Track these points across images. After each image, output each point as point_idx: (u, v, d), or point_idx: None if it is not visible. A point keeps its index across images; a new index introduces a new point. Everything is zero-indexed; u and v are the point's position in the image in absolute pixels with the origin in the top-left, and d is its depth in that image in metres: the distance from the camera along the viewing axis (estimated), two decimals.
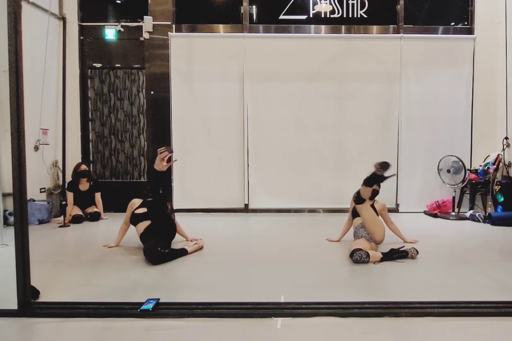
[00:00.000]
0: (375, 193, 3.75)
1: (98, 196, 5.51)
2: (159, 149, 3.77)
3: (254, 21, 6.14)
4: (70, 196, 5.29)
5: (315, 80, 6.05)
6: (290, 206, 6.09)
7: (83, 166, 5.41)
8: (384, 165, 3.37)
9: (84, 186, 5.42)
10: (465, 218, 5.41)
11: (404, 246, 3.41)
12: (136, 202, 3.81)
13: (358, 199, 3.54)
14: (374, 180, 3.48)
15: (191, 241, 3.84)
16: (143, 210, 3.69)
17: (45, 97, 5.44)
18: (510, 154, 5.61)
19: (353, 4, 6.08)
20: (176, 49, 6.01)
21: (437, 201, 5.95)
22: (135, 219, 3.68)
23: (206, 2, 6.23)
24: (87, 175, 5.43)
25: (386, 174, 3.43)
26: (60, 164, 5.83)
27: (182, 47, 6.02)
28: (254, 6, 6.14)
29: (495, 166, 5.54)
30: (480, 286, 2.67)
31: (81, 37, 6.07)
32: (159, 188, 3.86)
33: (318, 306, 2.24)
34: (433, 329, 2.01)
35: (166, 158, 3.76)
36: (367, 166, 5.98)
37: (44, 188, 5.54)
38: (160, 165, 3.76)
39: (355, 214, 3.75)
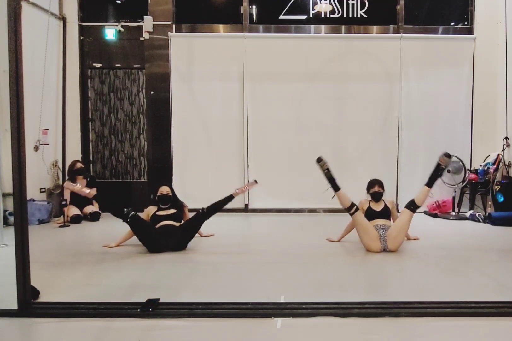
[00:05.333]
0: (379, 195, 3.76)
1: (94, 191, 5.52)
2: None
3: (254, 21, 6.14)
4: (67, 192, 5.33)
5: (315, 80, 6.05)
6: (290, 206, 6.09)
7: (79, 164, 5.46)
8: (447, 155, 3.63)
9: (80, 183, 5.44)
10: (465, 218, 5.41)
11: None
12: (152, 208, 3.86)
13: (413, 205, 3.58)
14: (434, 177, 3.67)
15: (205, 236, 4.20)
16: (166, 212, 3.77)
17: (45, 97, 5.44)
18: (510, 154, 5.61)
19: (353, 4, 6.08)
20: (176, 49, 6.01)
21: (437, 201, 5.94)
22: (155, 220, 3.72)
23: (206, 2, 6.23)
24: (83, 172, 5.46)
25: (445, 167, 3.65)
26: (60, 164, 5.83)
27: (182, 47, 6.02)
28: (254, 6, 6.14)
29: (495, 166, 5.54)
30: (480, 286, 2.67)
31: (81, 37, 6.07)
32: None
33: (318, 306, 2.23)
34: (433, 329, 2.01)
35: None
36: (367, 167, 6.07)
37: (44, 188, 5.54)
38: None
39: (368, 217, 3.69)
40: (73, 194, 5.39)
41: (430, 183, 3.65)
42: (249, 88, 6.03)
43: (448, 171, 5.64)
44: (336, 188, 3.65)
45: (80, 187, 3.70)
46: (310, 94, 6.05)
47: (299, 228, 4.94)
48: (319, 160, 3.69)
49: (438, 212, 5.81)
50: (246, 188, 4.05)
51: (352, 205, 3.59)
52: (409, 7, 6.08)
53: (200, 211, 3.77)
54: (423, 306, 2.23)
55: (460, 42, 6.05)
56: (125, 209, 3.51)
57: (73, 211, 5.21)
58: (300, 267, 3.15)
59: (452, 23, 6.21)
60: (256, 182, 4.09)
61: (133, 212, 3.53)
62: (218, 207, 3.84)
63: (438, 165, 3.65)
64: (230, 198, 3.88)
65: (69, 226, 4.93)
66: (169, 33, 5.97)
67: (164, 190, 3.85)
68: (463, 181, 5.57)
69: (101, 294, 2.51)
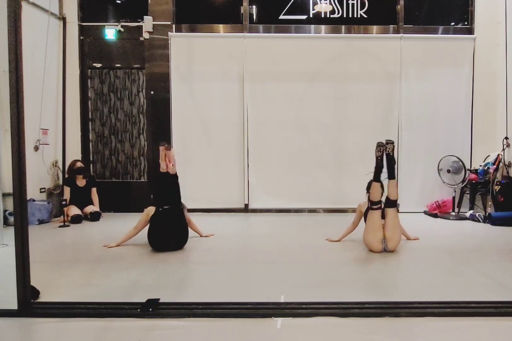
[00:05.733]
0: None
1: (94, 191, 5.56)
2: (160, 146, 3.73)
3: (254, 21, 6.14)
4: (67, 190, 5.37)
5: (315, 80, 6.05)
6: (290, 206, 6.09)
7: (79, 164, 5.48)
8: (386, 141, 3.65)
9: (80, 182, 5.48)
10: (465, 218, 5.41)
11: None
12: (152, 209, 3.83)
13: (388, 202, 3.58)
14: (390, 166, 3.65)
15: (205, 236, 4.23)
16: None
17: (45, 97, 5.44)
18: (510, 154, 5.61)
19: (353, 4, 6.08)
20: (176, 49, 6.01)
21: (437, 201, 5.94)
22: (155, 220, 3.72)
23: (206, 2, 6.23)
24: (83, 172, 5.47)
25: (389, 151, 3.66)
26: (60, 164, 5.83)
27: (182, 47, 6.02)
28: (254, 6, 6.13)
29: (495, 166, 5.54)
30: (480, 286, 2.67)
31: (81, 37, 6.07)
32: (170, 193, 3.82)
33: (318, 306, 2.23)
34: (433, 329, 2.01)
35: (163, 156, 3.71)
36: (367, 166, 5.96)
37: (44, 188, 5.54)
38: (161, 165, 3.75)
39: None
40: (73, 194, 5.41)
41: (391, 175, 3.63)
42: (249, 88, 6.03)
43: (448, 171, 5.64)
44: (377, 178, 3.62)
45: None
46: (310, 94, 6.05)
47: (299, 228, 4.93)
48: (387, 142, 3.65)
49: (438, 212, 5.81)
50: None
51: (380, 202, 3.58)
52: (409, 7, 6.08)
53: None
54: (423, 306, 2.23)
55: (460, 42, 6.05)
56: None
57: (73, 210, 5.21)
58: (300, 267, 3.15)
59: (452, 23, 6.20)
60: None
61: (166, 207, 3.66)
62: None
63: (387, 155, 3.64)
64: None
65: (69, 226, 4.93)
66: (169, 33, 5.97)
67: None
68: (463, 181, 5.57)
69: (101, 294, 2.51)
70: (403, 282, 2.81)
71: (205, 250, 3.74)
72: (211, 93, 6.05)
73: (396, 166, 3.69)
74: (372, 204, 3.56)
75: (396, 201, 3.62)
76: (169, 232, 3.65)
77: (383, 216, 3.64)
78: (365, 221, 3.77)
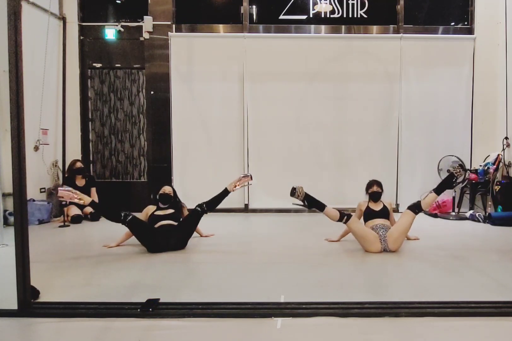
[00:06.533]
0: (377, 195, 3.77)
1: (93, 191, 5.55)
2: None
3: (254, 21, 6.15)
4: None
5: (315, 80, 6.05)
6: (290, 206, 6.06)
7: (78, 164, 5.48)
8: (462, 167, 3.45)
9: (80, 182, 5.48)
10: (465, 218, 5.41)
11: None
12: (151, 207, 3.87)
13: (417, 208, 3.56)
14: (444, 187, 3.56)
15: (205, 236, 4.25)
16: (164, 212, 3.76)
17: (45, 97, 5.44)
18: (510, 154, 5.61)
19: (353, 4, 6.08)
20: (176, 49, 6.01)
21: (437, 201, 5.93)
22: (154, 219, 3.72)
23: (206, 2, 6.23)
24: (83, 172, 5.48)
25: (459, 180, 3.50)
26: (60, 164, 5.83)
27: (182, 47, 6.02)
28: (254, 6, 6.14)
29: (495, 166, 5.54)
30: (480, 286, 2.67)
31: (81, 37, 6.08)
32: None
33: (318, 306, 2.23)
34: (433, 329, 2.01)
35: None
36: (367, 166, 6.07)
37: (44, 188, 5.54)
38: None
39: (367, 216, 3.74)
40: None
41: (438, 191, 3.60)
42: (249, 88, 6.03)
43: (448, 171, 5.63)
44: (322, 208, 3.50)
45: (72, 195, 3.36)
46: (310, 94, 6.05)
47: (299, 228, 4.93)
48: (293, 193, 3.45)
49: (438, 212, 5.81)
50: (241, 181, 3.96)
51: (342, 215, 3.46)
52: (409, 7, 6.08)
53: (199, 208, 3.75)
54: (423, 306, 2.23)
55: (460, 42, 6.05)
56: (122, 213, 3.45)
57: (73, 210, 5.21)
58: (300, 267, 3.15)
59: (452, 23, 6.21)
60: (251, 177, 3.99)
61: (131, 216, 3.48)
62: (216, 202, 3.84)
63: (451, 175, 3.54)
64: (226, 193, 3.88)
65: (69, 226, 4.93)
66: (169, 33, 5.97)
67: (167, 189, 3.86)
68: (463, 181, 5.57)
69: (101, 294, 2.51)
70: (403, 282, 2.81)
71: (205, 250, 3.74)
72: (211, 93, 6.05)
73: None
74: (341, 221, 3.52)
75: (423, 211, 3.62)
76: (167, 230, 3.64)
77: (382, 215, 3.65)
78: (364, 221, 3.77)
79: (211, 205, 3.79)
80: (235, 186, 3.91)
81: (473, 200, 5.69)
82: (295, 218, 5.68)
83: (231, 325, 2.07)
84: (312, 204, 3.49)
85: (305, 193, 3.43)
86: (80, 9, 6.05)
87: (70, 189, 3.38)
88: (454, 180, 3.56)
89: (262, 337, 1.96)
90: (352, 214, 3.56)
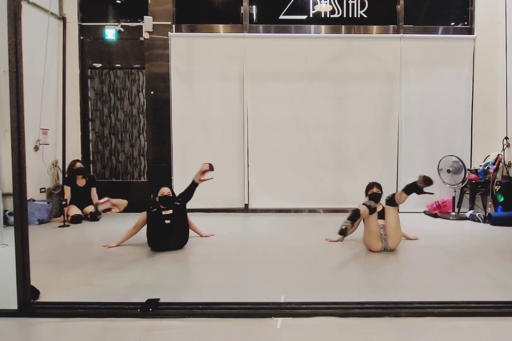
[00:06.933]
0: (377, 196, 3.78)
1: (94, 190, 5.56)
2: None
3: (254, 21, 6.14)
4: (68, 190, 5.38)
5: (315, 80, 6.05)
6: (290, 206, 6.09)
7: (78, 164, 5.48)
8: (428, 182, 3.45)
9: (80, 182, 5.49)
10: (465, 218, 5.41)
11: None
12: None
13: (390, 201, 3.60)
14: (413, 190, 3.56)
15: (205, 236, 4.24)
16: (164, 212, 3.74)
17: (45, 97, 5.44)
18: (510, 154, 5.61)
19: (353, 4, 6.08)
20: (176, 49, 6.01)
21: (437, 201, 5.94)
22: (154, 220, 3.72)
23: (206, 2, 6.23)
24: (83, 172, 5.48)
25: (425, 189, 3.51)
26: (60, 164, 5.83)
27: (182, 47, 6.02)
28: (254, 6, 6.13)
29: (495, 166, 5.54)
30: (480, 286, 2.67)
31: (81, 37, 6.07)
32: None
33: (318, 306, 2.23)
34: (433, 329, 2.01)
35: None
36: (367, 166, 6.07)
37: (44, 188, 5.54)
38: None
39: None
40: (73, 194, 5.41)
41: (408, 192, 3.60)
42: (249, 88, 6.03)
43: (448, 171, 5.64)
44: (358, 214, 3.41)
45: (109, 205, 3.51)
46: (310, 94, 6.05)
47: (299, 228, 4.93)
48: (343, 232, 3.24)
49: (438, 212, 5.81)
50: (204, 175, 3.99)
51: (370, 207, 3.47)
52: (409, 7, 6.08)
53: (177, 202, 3.82)
54: (423, 306, 2.23)
55: (460, 42, 6.05)
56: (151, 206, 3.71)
57: (74, 210, 5.21)
58: (300, 267, 3.15)
59: (452, 23, 6.21)
60: (210, 167, 3.97)
61: (155, 209, 3.68)
62: (188, 195, 3.94)
63: (415, 184, 3.54)
64: (194, 185, 3.95)
65: (69, 226, 4.93)
66: (169, 33, 5.97)
67: (165, 191, 3.86)
68: (463, 181, 5.57)
69: (101, 294, 2.51)
70: (403, 282, 2.81)
71: (205, 250, 3.74)
72: (211, 93, 6.05)
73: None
74: (371, 213, 3.53)
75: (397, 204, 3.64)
76: (169, 231, 3.65)
77: (381, 216, 3.66)
78: (364, 221, 3.77)
79: (185, 197, 3.90)
80: (200, 179, 3.97)
81: (473, 200, 5.69)
82: (295, 218, 5.68)
83: (231, 325, 2.07)
84: (354, 220, 3.42)
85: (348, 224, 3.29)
86: (80, 9, 6.04)
87: (106, 199, 3.52)
88: (419, 188, 3.55)
89: (262, 337, 1.96)
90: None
